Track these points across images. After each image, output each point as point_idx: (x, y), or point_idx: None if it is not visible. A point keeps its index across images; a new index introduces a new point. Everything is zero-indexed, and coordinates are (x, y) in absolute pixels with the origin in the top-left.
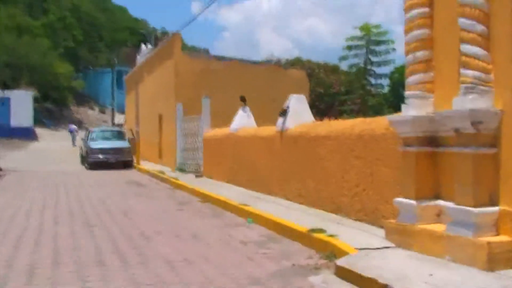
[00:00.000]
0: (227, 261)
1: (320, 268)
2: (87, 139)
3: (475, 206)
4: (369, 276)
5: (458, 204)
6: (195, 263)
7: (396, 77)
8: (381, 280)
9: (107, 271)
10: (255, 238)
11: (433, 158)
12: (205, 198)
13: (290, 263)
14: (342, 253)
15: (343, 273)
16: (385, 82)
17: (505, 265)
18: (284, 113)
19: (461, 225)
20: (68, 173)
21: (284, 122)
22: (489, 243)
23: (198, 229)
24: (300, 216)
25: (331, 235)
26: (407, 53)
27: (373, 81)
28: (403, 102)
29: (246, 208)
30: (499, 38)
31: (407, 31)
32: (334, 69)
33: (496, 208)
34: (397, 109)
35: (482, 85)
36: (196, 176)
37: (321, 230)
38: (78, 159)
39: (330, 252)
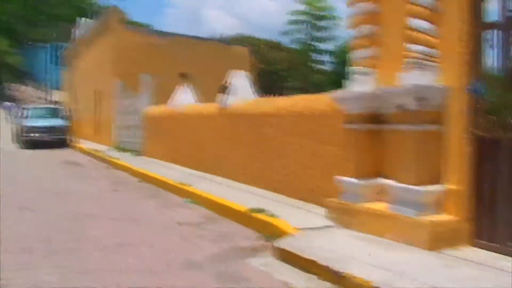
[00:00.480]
0: (163, 244)
1: (261, 250)
2: (21, 117)
3: (418, 185)
4: (310, 257)
5: (401, 182)
6: (130, 247)
7: (339, 55)
8: (322, 262)
9: (33, 258)
10: (194, 219)
11: (377, 135)
12: (144, 178)
13: (230, 245)
14: (283, 233)
15: (284, 255)
16: (329, 58)
17: (448, 244)
18: (224, 89)
19: (404, 204)
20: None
21: (225, 99)
22: (431, 222)
23: (135, 211)
24: (241, 196)
25: (272, 215)
26: (352, 27)
27: (316, 57)
28: (346, 79)
29: (186, 188)
30: (447, 12)
31: (351, 5)
32: (278, 46)
33: (439, 187)
34: (340, 87)
35: (428, 60)
36: (136, 155)
37: (262, 210)
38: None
39: (271, 233)
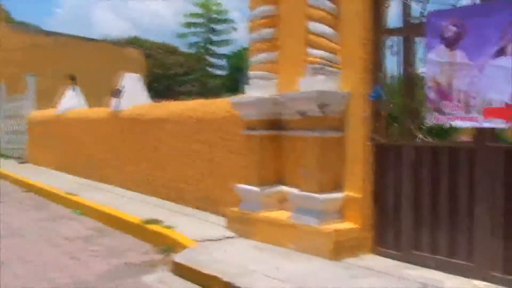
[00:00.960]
0: (48, 262)
1: (156, 265)
2: None
3: (320, 192)
4: (210, 272)
5: (303, 190)
6: (10, 266)
7: (235, 62)
8: (223, 277)
9: None
10: (83, 233)
11: (278, 142)
12: (29, 188)
13: (122, 261)
14: (181, 246)
15: (182, 270)
16: (227, 63)
17: (351, 253)
18: (117, 93)
19: (306, 212)
20: None
21: (118, 103)
22: (334, 231)
23: (17, 224)
24: (136, 206)
25: (168, 227)
26: (252, 30)
27: (214, 61)
28: (241, 86)
29: (74, 198)
30: (348, 17)
31: (252, 7)
32: (174, 50)
33: (341, 194)
34: (238, 92)
35: (330, 66)
36: (20, 163)
37: (157, 221)
38: None
39: (167, 246)
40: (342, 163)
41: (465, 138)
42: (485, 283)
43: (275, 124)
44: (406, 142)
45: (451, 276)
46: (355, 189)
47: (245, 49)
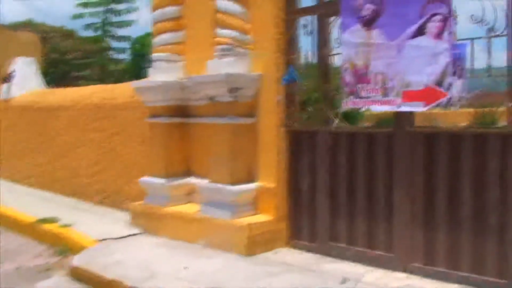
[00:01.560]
0: None
1: (52, 269)
2: None
3: (232, 183)
4: (112, 277)
5: (213, 181)
6: None
7: (139, 48)
8: (126, 281)
9: None
10: None
11: (185, 130)
12: None
13: (14, 266)
14: (79, 247)
15: (80, 274)
16: (129, 45)
17: (265, 247)
18: (8, 78)
19: (217, 205)
20: None
21: (8, 90)
22: (249, 224)
23: None
24: (30, 203)
25: (65, 225)
26: (155, 8)
27: (114, 44)
28: (148, 68)
29: None
30: None
31: None
32: (71, 33)
33: (254, 185)
34: (142, 77)
35: (240, 47)
36: None
37: (54, 220)
38: None
39: (64, 247)
40: (255, 151)
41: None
42: (405, 274)
43: (182, 110)
44: (322, 127)
45: (370, 268)
46: (269, 178)
47: (149, 34)
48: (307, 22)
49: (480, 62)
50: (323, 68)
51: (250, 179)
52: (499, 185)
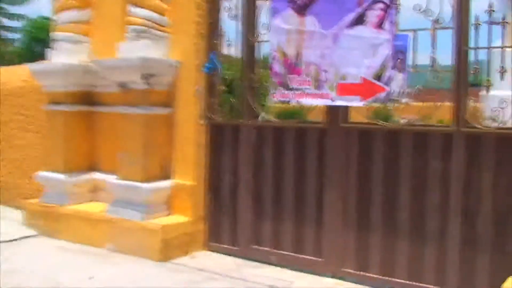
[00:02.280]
0: None
1: None
2: None
3: (144, 181)
4: None
5: (123, 178)
6: None
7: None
8: None
9: None
10: None
11: (91, 120)
12: None
13: None
14: None
15: None
16: (25, 24)
17: (181, 251)
18: None
19: (127, 205)
20: None
21: None
22: (164, 227)
23: None
24: None
25: None
26: None
27: (6, 22)
28: (48, 49)
29: None
30: None
31: None
32: None
33: (170, 182)
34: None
35: (157, 29)
36: None
37: None
38: None
39: None
40: (171, 145)
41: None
42: (335, 280)
43: (88, 98)
44: (246, 121)
45: (299, 274)
46: (186, 176)
47: (46, 18)
48: (231, 4)
49: (424, 56)
50: (249, 56)
51: (165, 176)
52: (439, 187)
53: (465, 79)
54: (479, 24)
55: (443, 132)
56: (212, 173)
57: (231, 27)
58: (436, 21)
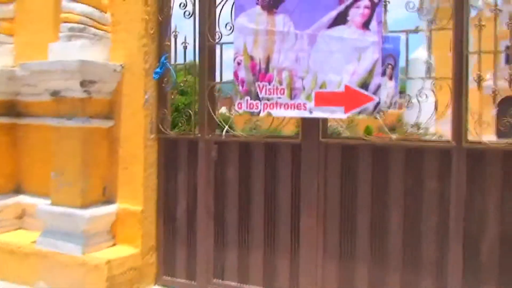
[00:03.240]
0: None
1: None
2: None
3: (83, 206)
4: None
5: (57, 203)
6: None
7: None
8: None
9: None
10: None
11: (15, 133)
12: None
13: None
14: None
15: None
16: None
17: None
18: None
19: (63, 234)
20: None
21: None
22: (108, 262)
23: None
24: None
25: None
26: None
27: None
28: None
29: None
30: None
31: None
32: None
33: (114, 207)
34: None
35: (96, 27)
36: None
37: None
38: None
39: None
40: (114, 164)
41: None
42: None
43: (12, 108)
44: (206, 135)
45: None
46: (134, 199)
47: None
48: (185, 0)
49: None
50: (207, 60)
51: (108, 200)
52: (437, 210)
53: (466, 87)
54: (483, 25)
55: (441, 148)
56: (165, 195)
57: (186, 26)
58: (432, 21)
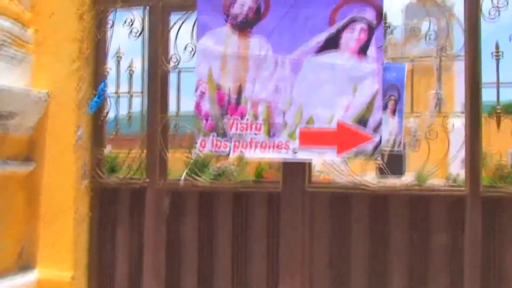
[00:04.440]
0: None
1: None
2: None
3: None
4: None
5: None
6: None
7: None
8: None
9: None
10: None
11: None
12: None
13: None
14: None
15: None
16: None
17: None
18: None
19: None
20: None
21: None
22: None
23: None
24: None
25: None
26: None
27: None
28: None
29: None
30: None
31: None
32: None
33: (32, 276)
34: None
35: (16, 45)
36: None
37: None
38: None
39: None
40: (35, 218)
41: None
42: None
43: None
44: (156, 182)
45: None
46: (61, 264)
47: None
48: (133, 16)
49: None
50: (159, 89)
51: (26, 265)
52: (448, 268)
53: (480, 123)
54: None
55: (454, 196)
56: (100, 259)
57: (134, 47)
58: (442, 48)
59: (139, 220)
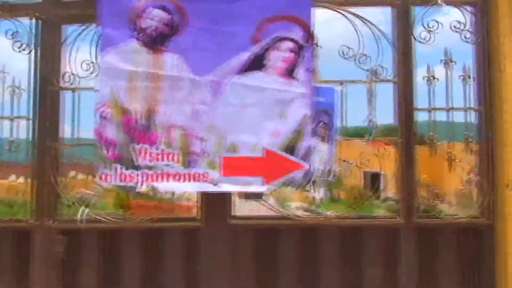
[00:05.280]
0: None
1: None
2: None
3: None
4: None
5: None
6: None
7: None
8: None
9: None
10: None
11: None
12: None
13: None
14: None
15: None
16: None
17: None
18: None
19: None
20: None
21: None
22: None
23: None
24: None
25: None
26: None
27: None
28: None
29: None
30: None
31: None
32: None
33: None
34: None
35: None
36: None
37: None
38: None
39: None
40: None
41: None
42: None
43: None
44: (45, 222)
45: None
46: None
47: None
48: (19, 28)
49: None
50: (50, 113)
51: None
52: None
53: (414, 148)
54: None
55: (387, 226)
56: None
57: (20, 64)
58: (375, 72)
59: (23, 268)
